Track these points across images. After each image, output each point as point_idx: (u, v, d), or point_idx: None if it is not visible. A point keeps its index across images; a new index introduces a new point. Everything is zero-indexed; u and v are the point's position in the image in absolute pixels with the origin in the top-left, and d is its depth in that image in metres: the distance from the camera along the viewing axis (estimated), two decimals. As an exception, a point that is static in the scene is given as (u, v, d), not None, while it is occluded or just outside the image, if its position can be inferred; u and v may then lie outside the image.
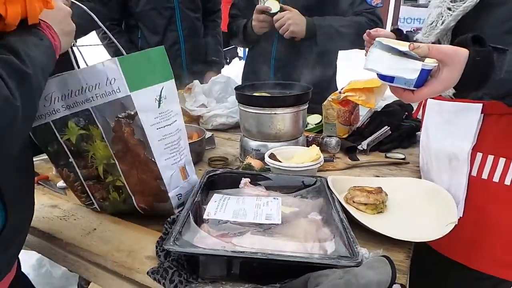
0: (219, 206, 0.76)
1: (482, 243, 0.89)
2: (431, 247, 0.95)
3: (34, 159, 0.73)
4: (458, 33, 0.78)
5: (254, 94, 1.23)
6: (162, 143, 0.77)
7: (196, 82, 1.62)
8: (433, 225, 0.80)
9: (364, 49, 0.99)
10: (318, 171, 1.05)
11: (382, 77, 0.74)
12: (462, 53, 0.67)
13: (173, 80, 0.80)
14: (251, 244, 0.66)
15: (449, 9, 0.80)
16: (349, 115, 1.38)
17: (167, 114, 0.78)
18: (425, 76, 0.70)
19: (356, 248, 0.62)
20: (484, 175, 0.86)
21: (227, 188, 0.88)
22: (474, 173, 0.87)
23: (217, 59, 1.94)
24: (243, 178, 0.90)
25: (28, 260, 1.98)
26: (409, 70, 0.69)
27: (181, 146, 0.81)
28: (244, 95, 1.15)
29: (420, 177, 1.05)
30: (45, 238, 0.79)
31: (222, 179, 0.91)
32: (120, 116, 0.73)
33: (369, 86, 1.35)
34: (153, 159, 0.76)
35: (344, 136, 1.38)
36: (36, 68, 0.52)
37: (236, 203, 0.78)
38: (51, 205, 0.90)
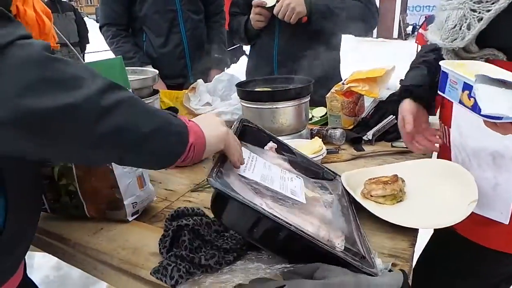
0: (248, 163, 0.73)
1: None
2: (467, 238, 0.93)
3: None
4: (489, 31, 0.73)
5: (256, 89, 1.23)
6: None
7: (200, 81, 1.63)
8: (455, 207, 0.79)
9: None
10: (323, 163, 1.04)
11: (491, 117, 0.63)
12: None
13: (129, 91, 0.80)
14: (279, 214, 0.63)
15: (474, 10, 0.72)
16: (354, 106, 1.37)
17: None
18: None
19: (373, 258, 0.62)
20: None
21: (254, 145, 0.84)
22: None
23: (220, 57, 1.95)
24: (271, 142, 0.88)
25: (48, 262, 2.04)
26: None
27: None
28: (245, 91, 1.15)
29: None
30: (54, 239, 0.81)
31: (252, 133, 0.87)
32: None
33: (372, 76, 1.33)
34: (110, 167, 0.78)
35: (350, 127, 1.37)
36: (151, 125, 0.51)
37: (264, 167, 0.76)
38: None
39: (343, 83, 1.37)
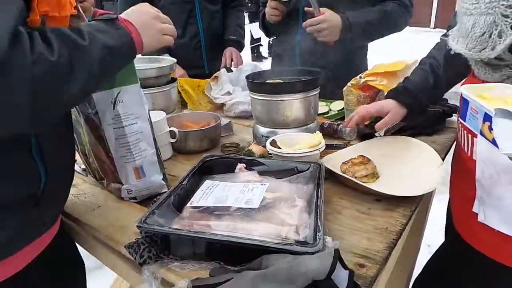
0: (204, 194, 0.80)
1: None
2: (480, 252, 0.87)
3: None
4: None
5: (267, 81, 1.24)
6: (118, 142, 0.84)
7: (223, 70, 1.66)
8: (428, 174, 0.90)
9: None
10: (322, 155, 1.03)
11: None
12: None
13: (137, 85, 0.85)
14: (226, 227, 0.68)
15: (506, 16, 0.65)
16: (371, 101, 1.32)
17: (123, 117, 0.83)
18: None
19: (318, 236, 0.61)
20: None
21: (224, 173, 0.92)
22: None
23: (234, 38, 1.95)
24: (238, 164, 0.93)
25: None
26: None
27: (139, 148, 0.87)
28: (252, 83, 1.16)
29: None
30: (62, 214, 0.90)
31: (218, 164, 0.94)
32: (87, 113, 0.82)
33: (392, 70, 1.28)
34: (110, 154, 0.85)
35: (366, 123, 1.33)
36: (96, 44, 0.60)
37: (222, 190, 0.81)
38: (70, 184, 1.00)
39: (360, 77, 1.32)
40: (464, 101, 0.69)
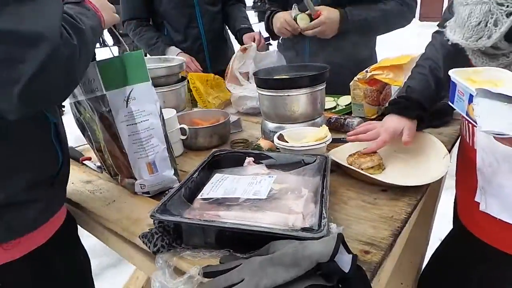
0: (214, 186, 0.82)
1: None
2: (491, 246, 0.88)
3: (81, 144, 1.01)
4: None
5: (275, 77, 1.26)
6: (131, 138, 0.88)
7: (254, 46, 1.61)
8: (434, 164, 0.92)
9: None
10: (329, 150, 1.05)
11: (493, 132, 0.60)
12: None
13: (149, 82, 0.89)
14: (234, 217, 0.71)
15: (501, 4, 0.65)
16: (378, 95, 1.34)
17: (136, 114, 0.87)
18: None
19: (323, 222, 0.64)
20: None
21: (233, 167, 0.95)
22: None
23: (246, 26, 1.95)
24: (247, 157, 0.96)
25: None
26: None
27: (151, 144, 0.90)
28: (259, 79, 1.18)
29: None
30: (76, 207, 0.94)
31: (227, 159, 0.97)
32: (101, 111, 0.86)
33: (398, 63, 1.29)
34: (124, 150, 0.89)
35: (373, 117, 1.34)
36: (87, 26, 0.67)
37: (231, 182, 0.83)
38: (86, 181, 1.05)
39: (366, 71, 1.33)
40: (452, 84, 0.71)
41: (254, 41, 1.83)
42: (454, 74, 0.70)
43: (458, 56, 0.81)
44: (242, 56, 1.61)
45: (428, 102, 0.99)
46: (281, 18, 1.50)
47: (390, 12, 1.46)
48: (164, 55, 1.79)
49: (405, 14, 1.51)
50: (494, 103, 0.59)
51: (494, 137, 0.61)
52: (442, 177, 0.89)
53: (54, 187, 0.80)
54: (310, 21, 1.44)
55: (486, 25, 0.67)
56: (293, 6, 1.48)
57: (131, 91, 0.87)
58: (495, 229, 0.84)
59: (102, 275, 2.15)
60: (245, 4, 2.06)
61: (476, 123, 0.62)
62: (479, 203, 0.85)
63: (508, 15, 0.64)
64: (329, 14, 1.40)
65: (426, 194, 0.91)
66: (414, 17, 1.56)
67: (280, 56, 1.65)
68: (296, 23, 1.45)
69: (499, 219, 0.81)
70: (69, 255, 0.89)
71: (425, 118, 1.00)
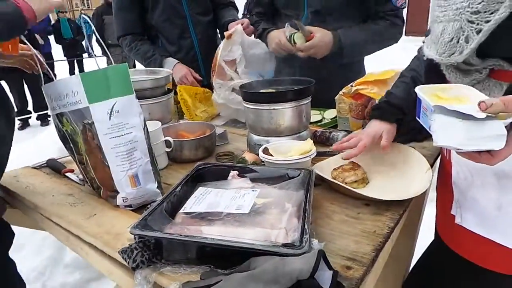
0: (197, 200, 0.82)
1: None
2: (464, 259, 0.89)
3: (64, 156, 1.04)
4: (490, 42, 0.68)
5: (261, 91, 1.26)
6: (113, 151, 0.88)
7: (239, 28, 1.55)
8: (417, 178, 0.94)
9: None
10: (314, 162, 1.06)
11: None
12: None
13: (132, 95, 0.89)
14: (216, 232, 0.70)
15: (472, 22, 0.66)
16: (363, 109, 1.35)
17: (119, 126, 0.87)
18: None
19: (305, 238, 0.63)
20: None
21: (217, 180, 0.94)
22: None
23: (231, 19, 1.90)
24: (231, 171, 0.95)
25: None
26: (493, 137, 0.58)
27: (134, 157, 0.90)
28: (245, 92, 1.19)
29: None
30: (55, 221, 0.92)
31: (211, 172, 0.96)
32: (84, 123, 0.86)
33: (382, 78, 1.31)
34: (106, 163, 0.88)
35: (358, 131, 1.36)
36: None
37: (215, 196, 0.83)
38: (67, 194, 1.03)
39: (351, 85, 1.35)
40: (418, 100, 0.73)
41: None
42: (420, 90, 0.72)
43: (438, 70, 0.83)
44: (227, 43, 1.52)
45: (408, 108, 1.01)
46: (275, 39, 1.51)
47: (380, 32, 1.50)
48: (162, 67, 1.78)
49: (394, 34, 1.55)
50: (450, 119, 0.61)
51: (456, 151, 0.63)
52: (425, 191, 0.91)
53: None
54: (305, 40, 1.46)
55: (458, 42, 0.69)
56: (286, 25, 1.49)
57: (114, 104, 0.87)
58: (470, 243, 0.85)
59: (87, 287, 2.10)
60: (237, 9, 2.06)
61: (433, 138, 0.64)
62: (455, 216, 0.86)
63: (477, 32, 0.66)
64: (322, 37, 1.42)
65: (410, 207, 0.92)
66: (401, 36, 1.59)
67: (271, 56, 1.62)
68: (292, 42, 1.45)
69: (474, 232, 0.83)
70: None
71: (405, 121, 1.03)
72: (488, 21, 0.65)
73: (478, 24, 0.66)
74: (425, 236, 1.40)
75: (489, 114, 0.58)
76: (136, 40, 1.86)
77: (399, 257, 1.35)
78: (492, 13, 0.64)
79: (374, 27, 1.50)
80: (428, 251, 1.07)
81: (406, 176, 0.96)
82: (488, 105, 0.58)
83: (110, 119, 0.87)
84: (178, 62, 1.82)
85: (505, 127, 0.58)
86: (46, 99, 0.95)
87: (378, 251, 0.72)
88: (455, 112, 0.60)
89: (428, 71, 0.97)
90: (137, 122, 0.91)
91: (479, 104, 0.59)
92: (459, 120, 0.60)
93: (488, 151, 0.61)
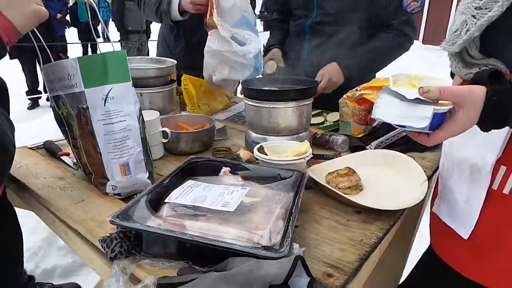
0: (184, 191, 0.81)
1: (489, 257, 0.81)
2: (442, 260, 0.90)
3: (61, 139, 0.98)
4: (487, 39, 0.73)
5: (263, 88, 1.25)
6: (106, 138, 0.87)
7: None
8: (412, 188, 0.92)
9: None
10: (310, 166, 1.04)
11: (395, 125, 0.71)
12: (477, 93, 0.63)
13: (129, 83, 0.88)
14: (199, 228, 0.69)
15: (474, 16, 0.71)
16: (366, 114, 1.33)
17: (113, 113, 0.86)
18: (440, 119, 0.67)
19: (286, 242, 0.62)
20: (506, 190, 0.77)
21: (206, 175, 0.93)
22: (494, 187, 0.78)
23: None
24: (223, 167, 0.94)
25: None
26: (419, 118, 0.66)
27: (126, 145, 0.89)
28: (246, 88, 1.17)
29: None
30: (43, 203, 0.91)
31: (203, 167, 0.95)
32: (79, 107, 0.85)
33: (388, 84, 1.28)
34: (98, 149, 0.87)
35: (359, 135, 1.33)
36: None
37: (202, 190, 0.81)
38: (59, 177, 1.02)
39: (356, 89, 1.33)
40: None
41: None
42: (395, 76, 0.77)
43: None
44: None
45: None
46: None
47: (385, 48, 1.48)
48: (170, 4, 1.59)
49: (402, 44, 1.52)
50: (391, 98, 0.69)
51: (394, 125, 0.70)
52: (422, 202, 0.88)
53: None
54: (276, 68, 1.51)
55: (460, 33, 0.73)
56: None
57: (110, 90, 0.86)
58: (463, 256, 0.83)
59: (79, 271, 2.11)
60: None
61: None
62: (448, 228, 0.85)
63: (478, 28, 0.70)
64: (331, 82, 1.47)
65: (403, 218, 0.90)
66: (412, 44, 1.56)
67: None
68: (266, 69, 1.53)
69: (467, 244, 0.82)
70: None
71: None
72: (483, 17, 0.69)
73: (478, 19, 0.71)
74: (421, 247, 1.38)
75: (425, 99, 0.65)
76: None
77: (391, 268, 1.33)
78: (490, 11, 0.69)
79: (377, 43, 1.49)
80: (420, 263, 1.05)
81: (401, 187, 0.94)
82: (425, 90, 0.64)
83: (104, 105, 0.86)
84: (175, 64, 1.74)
85: (444, 113, 0.66)
86: (44, 80, 0.94)
87: (363, 260, 0.70)
88: (397, 93, 0.68)
89: None
90: (132, 110, 0.90)
91: (418, 89, 0.65)
92: (398, 100, 0.68)
93: (427, 134, 0.68)
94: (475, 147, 0.79)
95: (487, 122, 0.65)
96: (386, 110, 0.69)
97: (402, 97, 0.68)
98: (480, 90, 0.63)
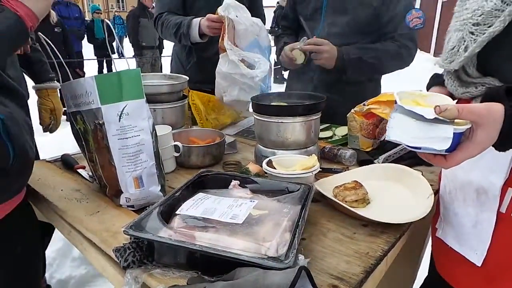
0: (194, 203, 0.84)
1: (504, 283, 0.78)
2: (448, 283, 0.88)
3: (78, 152, 1.04)
4: (484, 57, 0.72)
5: (272, 103, 1.28)
6: (120, 152, 0.91)
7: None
8: (418, 202, 0.92)
9: None
10: (318, 179, 1.06)
11: (410, 146, 0.66)
12: (496, 111, 0.60)
13: (143, 100, 0.93)
14: (208, 239, 0.72)
15: (472, 33, 0.70)
16: (374, 128, 1.35)
17: (127, 129, 0.90)
18: (458, 139, 0.62)
19: (292, 253, 0.64)
20: None
21: (216, 188, 0.95)
22: (502, 209, 0.76)
23: None
24: (233, 180, 0.97)
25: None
26: (439, 139, 0.61)
27: (140, 159, 0.93)
28: (255, 104, 1.21)
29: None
30: (60, 214, 0.95)
31: (213, 180, 0.98)
32: (96, 122, 0.89)
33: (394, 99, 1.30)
34: (113, 163, 0.91)
35: (368, 149, 1.35)
36: None
37: (212, 203, 0.84)
38: (75, 189, 1.07)
39: (364, 104, 1.35)
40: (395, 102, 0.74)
41: None
42: (399, 94, 0.73)
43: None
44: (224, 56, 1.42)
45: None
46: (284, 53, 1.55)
47: (386, 52, 1.50)
48: (190, 27, 1.67)
49: (403, 57, 1.53)
50: (406, 118, 0.64)
51: (408, 147, 0.65)
52: (429, 216, 0.89)
53: (2, 180, 0.83)
54: (305, 58, 1.49)
55: (458, 50, 0.73)
56: (303, 39, 1.52)
57: (125, 107, 0.90)
58: (475, 283, 0.82)
59: (92, 282, 2.14)
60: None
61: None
62: (456, 253, 0.84)
63: (475, 43, 0.70)
64: (330, 48, 1.45)
65: (410, 232, 0.90)
66: (412, 59, 1.58)
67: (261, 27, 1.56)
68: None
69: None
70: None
71: None
72: (484, 33, 0.68)
73: (477, 35, 0.70)
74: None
75: (442, 118, 0.60)
76: (170, 15, 1.77)
77: (401, 282, 1.32)
78: (489, 26, 0.68)
79: (380, 46, 1.51)
80: (425, 286, 1.04)
81: (408, 200, 0.95)
82: (443, 109, 0.60)
83: (119, 121, 0.90)
84: (202, 18, 1.66)
85: (462, 133, 0.61)
86: (63, 97, 0.99)
87: (368, 273, 0.71)
88: (412, 112, 0.63)
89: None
90: (146, 125, 0.94)
91: (434, 108, 0.61)
92: (413, 120, 0.63)
93: (443, 155, 0.64)
94: (481, 169, 0.77)
95: (506, 142, 0.62)
96: (401, 131, 0.64)
97: (417, 116, 0.63)
98: (498, 108, 0.60)
